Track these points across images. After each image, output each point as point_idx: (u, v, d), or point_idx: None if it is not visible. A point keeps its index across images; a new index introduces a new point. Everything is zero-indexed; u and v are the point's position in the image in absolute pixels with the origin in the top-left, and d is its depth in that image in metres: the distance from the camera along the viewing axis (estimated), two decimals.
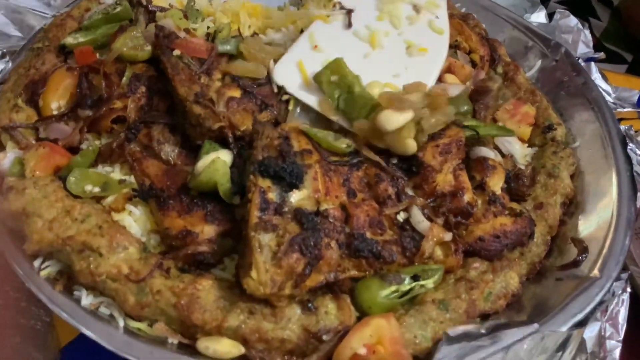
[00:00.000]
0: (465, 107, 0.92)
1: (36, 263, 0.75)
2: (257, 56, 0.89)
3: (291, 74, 0.88)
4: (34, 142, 0.84)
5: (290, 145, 0.77)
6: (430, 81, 0.92)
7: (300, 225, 0.71)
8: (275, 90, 0.88)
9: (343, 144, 0.81)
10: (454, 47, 1.09)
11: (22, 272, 0.73)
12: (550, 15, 1.37)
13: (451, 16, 1.13)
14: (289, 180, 0.73)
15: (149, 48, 0.90)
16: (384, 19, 1.01)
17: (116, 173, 0.81)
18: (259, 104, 0.84)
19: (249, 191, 0.72)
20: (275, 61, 0.89)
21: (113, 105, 0.84)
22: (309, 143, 0.79)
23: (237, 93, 0.83)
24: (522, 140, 1.03)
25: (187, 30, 1.01)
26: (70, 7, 1.11)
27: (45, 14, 1.27)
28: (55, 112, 0.86)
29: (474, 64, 1.10)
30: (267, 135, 0.77)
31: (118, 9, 1.00)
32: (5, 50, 1.20)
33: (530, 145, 1.03)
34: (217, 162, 0.74)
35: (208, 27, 1.07)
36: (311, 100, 0.86)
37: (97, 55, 0.91)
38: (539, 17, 1.37)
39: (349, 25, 0.98)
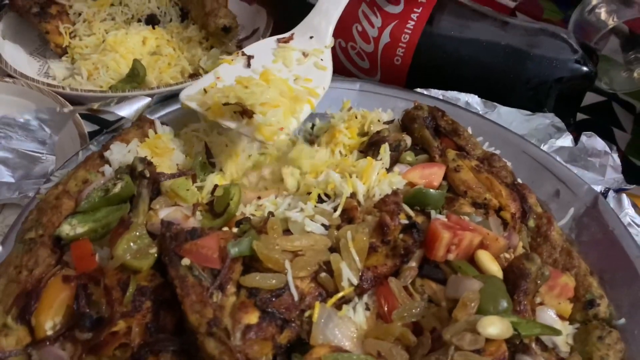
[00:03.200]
0: (505, 305, 0.83)
1: None
2: (272, 257, 0.80)
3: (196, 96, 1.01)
4: None
5: None
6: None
7: None
8: (296, 298, 0.79)
9: None
10: (482, 206, 1.01)
11: None
12: (576, 138, 1.30)
13: (478, 170, 1.06)
14: None
15: (154, 251, 0.81)
16: (278, 62, 1.13)
17: None
18: (280, 325, 0.75)
19: None
20: (292, 261, 0.81)
21: (115, 327, 0.74)
22: None
23: (254, 317, 0.74)
24: (562, 318, 0.94)
25: (196, 205, 0.93)
26: (64, 170, 1.03)
27: (40, 153, 1.19)
28: (49, 332, 0.76)
29: (504, 222, 1.02)
30: None
31: (119, 186, 0.91)
32: None
33: (570, 322, 0.95)
34: None
35: (215, 187, 0.99)
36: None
37: (97, 256, 0.83)
38: (564, 141, 1.29)
39: (248, 65, 1.10)
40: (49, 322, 0.77)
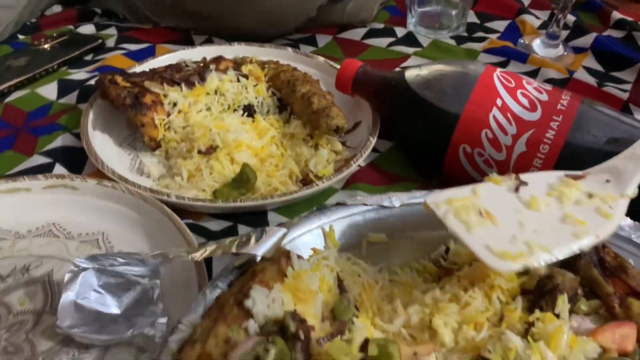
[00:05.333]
0: None
1: None
2: None
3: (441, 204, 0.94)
4: None
5: None
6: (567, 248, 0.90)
7: None
8: None
9: None
10: None
11: None
12: None
13: None
14: None
15: None
16: (552, 196, 0.98)
17: None
18: None
19: None
20: None
21: None
22: None
23: None
24: None
25: None
26: (191, 315, 0.88)
27: (143, 276, 1.05)
28: None
29: None
30: None
31: (272, 354, 0.77)
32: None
33: None
34: None
35: (366, 342, 0.84)
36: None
37: None
38: None
39: (516, 190, 0.97)
40: None
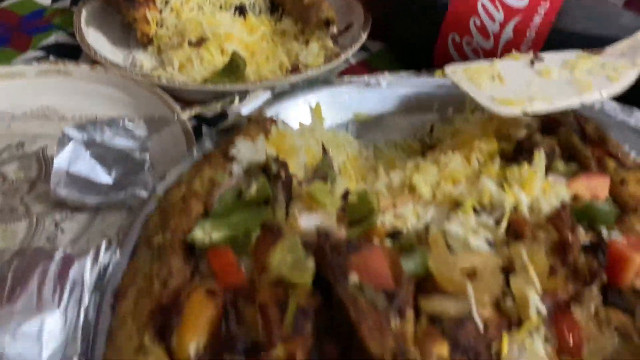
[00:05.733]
0: None
1: None
2: (454, 279, 0.68)
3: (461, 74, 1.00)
4: None
5: None
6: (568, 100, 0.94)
7: None
8: (481, 328, 0.67)
9: None
10: None
11: None
12: None
13: None
14: None
15: (311, 264, 0.69)
16: (566, 68, 1.02)
17: None
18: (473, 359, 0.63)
19: None
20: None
21: (275, 354, 0.63)
22: None
23: (444, 348, 0.62)
24: None
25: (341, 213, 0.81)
26: (185, 169, 0.91)
27: (133, 148, 1.08)
28: (193, 356, 0.65)
29: None
30: None
31: (254, 187, 0.80)
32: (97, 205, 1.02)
33: None
34: None
35: (347, 193, 0.88)
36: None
37: (243, 267, 0.71)
38: None
39: (532, 63, 1.03)
40: (193, 343, 0.66)
